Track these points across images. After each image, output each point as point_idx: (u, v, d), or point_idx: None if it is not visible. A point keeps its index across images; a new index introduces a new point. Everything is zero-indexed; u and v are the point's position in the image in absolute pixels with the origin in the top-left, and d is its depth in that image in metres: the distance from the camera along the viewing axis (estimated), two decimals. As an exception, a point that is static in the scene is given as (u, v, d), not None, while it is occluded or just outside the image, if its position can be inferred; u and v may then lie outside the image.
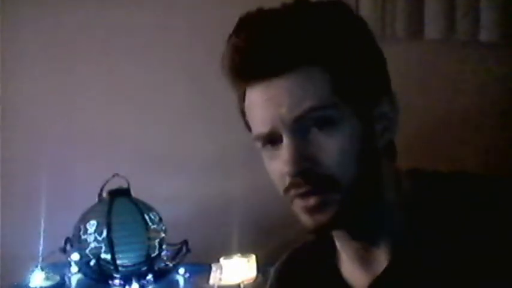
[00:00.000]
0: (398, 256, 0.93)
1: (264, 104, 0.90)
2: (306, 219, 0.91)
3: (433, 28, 2.06)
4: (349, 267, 1.00)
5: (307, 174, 0.89)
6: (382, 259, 0.95)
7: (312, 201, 0.89)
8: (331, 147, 0.89)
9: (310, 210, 0.90)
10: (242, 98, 0.94)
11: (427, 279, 0.90)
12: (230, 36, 0.92)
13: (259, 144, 0.93)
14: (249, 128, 0.96)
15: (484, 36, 2.02)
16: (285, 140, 0.90)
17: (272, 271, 1.12)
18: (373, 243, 0.95)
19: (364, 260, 0.97)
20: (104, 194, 1.96)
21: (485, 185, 0.96)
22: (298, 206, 0.91)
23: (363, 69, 0.92)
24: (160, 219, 1.96)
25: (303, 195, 0.90)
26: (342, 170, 0.89)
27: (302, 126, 0.89)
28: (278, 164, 0.91)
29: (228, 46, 0.91)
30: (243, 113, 0.96)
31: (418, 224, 0.92)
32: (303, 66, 0.89)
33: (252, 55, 0.89)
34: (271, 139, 0.91)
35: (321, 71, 0.89)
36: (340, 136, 0.89)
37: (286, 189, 0.91)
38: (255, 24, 0.91)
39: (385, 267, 0.94)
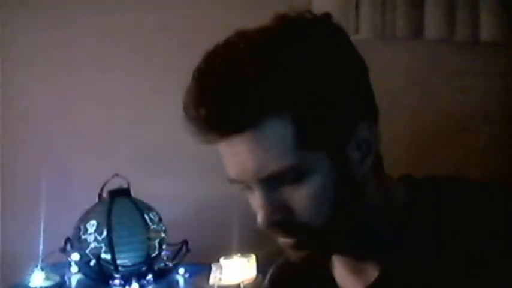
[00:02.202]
0: (389, 266, 0.92)
1: (230, 160, 0.88)
2: (289, 253, 0.92)
3: (433, 28, 2.06)
4: (342, 274, 1.00)
5: (280, 225, 0.88)
6: (373, 269, 0.94)
7: (290, 241, 0.90)
8: (302, 197, 0.86)
9: (291, 248, 0.90)
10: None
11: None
12: (184, 95, 0.87)
13: None
14: None
15: (484, 36, 2.02)
16: (256, 193, 0.88)
17: (267, 275, 1.12)
18: (364, 255, 0.94)
19: (356, 269, 0.96)
20: (104, 194, 1.96)
21: (482, 191, 0.93)
22: (280, 241, 0.91)
23: (332, 105, 0.85)
24: (160, 219, 1.96)
25: (282, 235, 0.90)
26: (316, 215, 0.87)
27: (270, 181, 0.86)
28: (255, 208, 0.90)
29: (183, 106, 0.87)
30: None
31: (409, 233, 0.91)
32: (262, 119, 0.83)
33: (207, 118, 0.84)
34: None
35: (283, 121, 0.83)
36: (312, 184, 0.86)
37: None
38: (207, 83, 0.85)
39: (376, 277, 0.93)
